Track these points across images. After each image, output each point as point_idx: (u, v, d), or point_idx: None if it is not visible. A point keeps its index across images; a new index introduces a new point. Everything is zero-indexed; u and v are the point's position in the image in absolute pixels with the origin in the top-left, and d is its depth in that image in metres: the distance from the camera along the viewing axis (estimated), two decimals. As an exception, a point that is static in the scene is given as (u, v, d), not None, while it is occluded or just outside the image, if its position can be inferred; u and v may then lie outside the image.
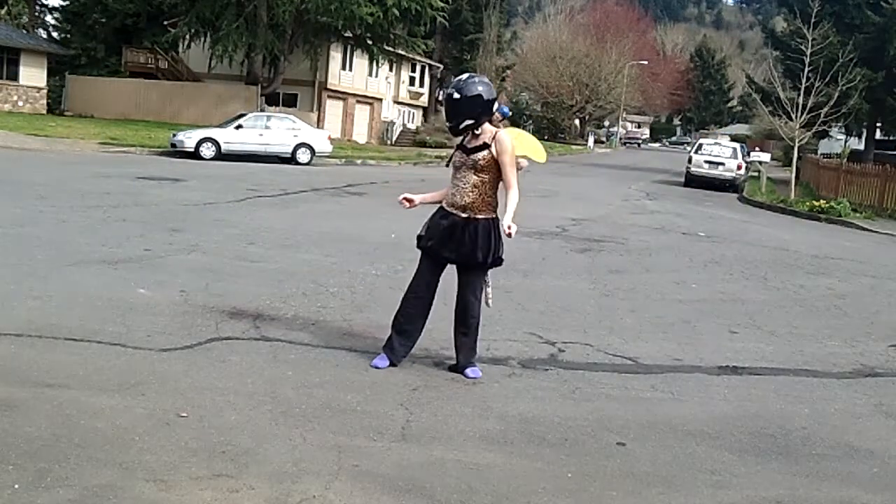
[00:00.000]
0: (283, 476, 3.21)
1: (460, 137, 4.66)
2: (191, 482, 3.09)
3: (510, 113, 8.79)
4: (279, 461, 3.34)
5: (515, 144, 4.66)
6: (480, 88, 4.49)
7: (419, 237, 4.74)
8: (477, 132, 4.56)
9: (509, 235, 4.39)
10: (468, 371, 4.69)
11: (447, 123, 4.60)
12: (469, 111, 4.49)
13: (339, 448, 3.52)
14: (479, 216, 4.56)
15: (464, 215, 4.56)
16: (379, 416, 3.94)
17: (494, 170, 4.54)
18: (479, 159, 4.52)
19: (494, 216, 4.62)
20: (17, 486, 2.92)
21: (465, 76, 4.62)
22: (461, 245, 4.56)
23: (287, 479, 3.19)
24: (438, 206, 4.74)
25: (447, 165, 4.75)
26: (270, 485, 3.12)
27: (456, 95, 4.47)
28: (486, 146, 4.53)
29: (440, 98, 50.66)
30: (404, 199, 4.74)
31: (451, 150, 4.80)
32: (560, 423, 4.08)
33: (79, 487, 2.96)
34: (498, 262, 4.69)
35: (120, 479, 3.06)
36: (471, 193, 4.55)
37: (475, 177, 4.54)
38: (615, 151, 57.67)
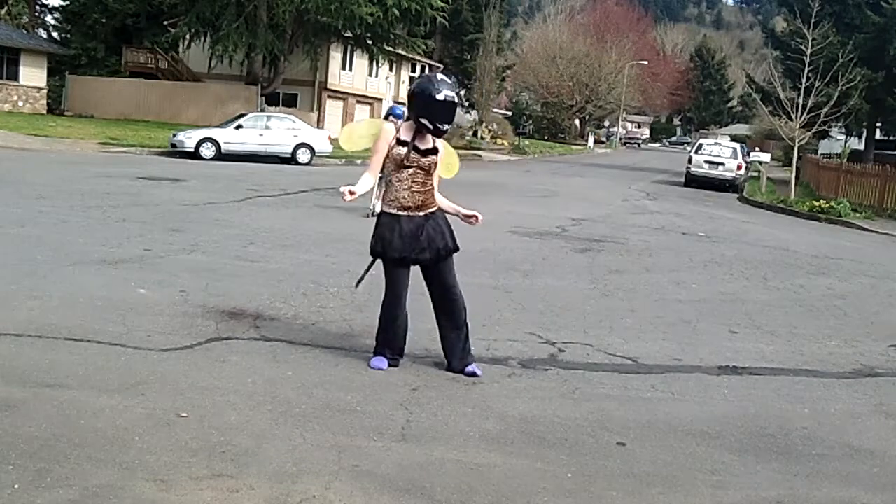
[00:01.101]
0: (283, 476, 3.21)
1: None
2: (191, 482, 3.09)
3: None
4: (279, 461, 3.34)
5: None
6: None
7: (376, 250, 4.68)
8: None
9: (474, 222, 4.83)
10: (469, 369, 4.69)
11: (447, 126, 4.56)
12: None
13: (339, 448, 3.52)
14: (433, 210, 4.70)
15: (421, 213, 4.64)
16: (379, 416, 3.94)
17: (434, 171, 4.72)
18: (434, 162, 4.66)
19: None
20: (17, 486, 2.92)
21: (445, 77, 4.70)
22: (432, 241, 4.63)
23: (287, 479, 3.19)
24: (382, 213, 4.69)
25: (406, 162, 4.57)
26: (270, 485, 3.12)
27: (456, 99, 4.57)
28: (436, 150, 4.67)
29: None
30: (349, 191, 4.50)
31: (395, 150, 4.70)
32: (560, 423, 4.08)
33: (79, 487, 2.96)
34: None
35: (120, 479, 3.06)
36: (426, 192, 4.66)
37: (427, 177, 4.66)
38: (615, 151, 57.66)
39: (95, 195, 11.26)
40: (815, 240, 14.03)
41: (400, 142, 4.59)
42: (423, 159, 4.60)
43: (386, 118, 9.97)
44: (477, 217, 4.80)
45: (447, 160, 5.07)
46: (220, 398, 3.97)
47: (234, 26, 29.79)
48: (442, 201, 4.81)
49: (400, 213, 4.62)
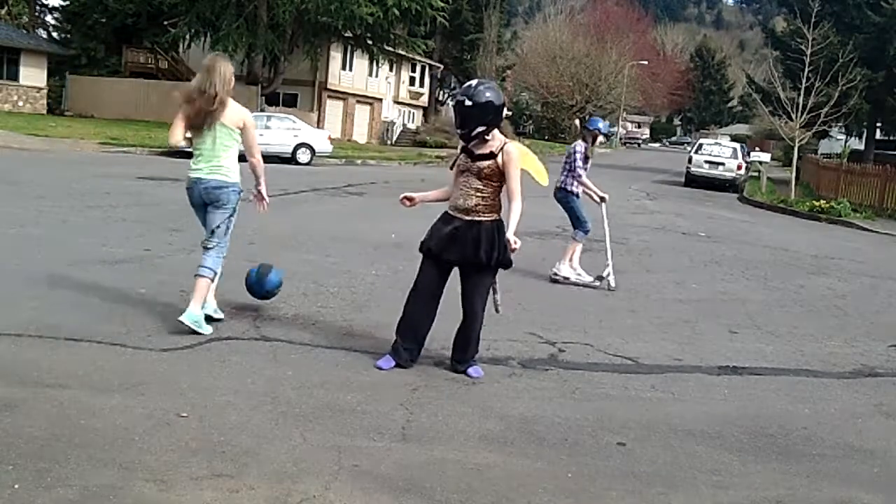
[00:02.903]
0: (283, 476, 3.21)
1: (468, 141, 4.61)
2: (191, 482, 3.09)
3: (608, 131, 8.46)
4: (279, 461, 3.34)
5: (521, 158, 4.74)
6: (490, 95, 4.49)
7: (423, 242, 4.74)
8: (487, 138, 4.55)
9: (513, 251, 4.51)
10: (471, 371, 4.71)
11: (459, 130, 4.56)
12: (481, 118, 4.49)
13: (339, 448, 3.52)
14: (483, 218, 4.59)
15: (467, 218, 4.59)
16: (379, 416, 3.94)
17: (498, 178, 4.58)
18: (484, 167, 4.55)
19: (499, 218, 4.64)
20: (17, 486, 2.92)
21: (475, 82, 4.62)
22: (463, 247, 4.57)
23: (287, 479, 3.19)
24: (444, 210, 4.74)
25: (451, 168, 4.73)
26: (270, 485, 3.12)
27: (468, 102, 4.45)
28: (492, 155, 4.55)
29: (440, 98, 50.65)
30: (405, 198, 4.81)
31: (454, 151, 4.79)
32: (560, 423, 4.08)
33: (79, 487, 2.96)
34: (505, 263, 4.69)
35: (120, 479, 3.06)
36: (474, 197, 4.58)
37: (479, 182, 4.58)
38: (615, 151, 57.65)
39: (96, 195, 11.26)
40: (815, 240, 14.03)
41: (461, 148, 4.67)
42: (473, 164, 4.56)
43: (585, 128, 8.78)
44: (511, 245, 4.47)
45: (532, 166, 5.01)
46: (220, 398, 3.97)
47: (234, 26, 29.79)
48: (512, 212, 4.50)
49: (450, 211, 4.67)
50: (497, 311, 4.85)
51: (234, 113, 5.10)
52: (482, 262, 4.60)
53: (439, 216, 4.75)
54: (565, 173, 8.14)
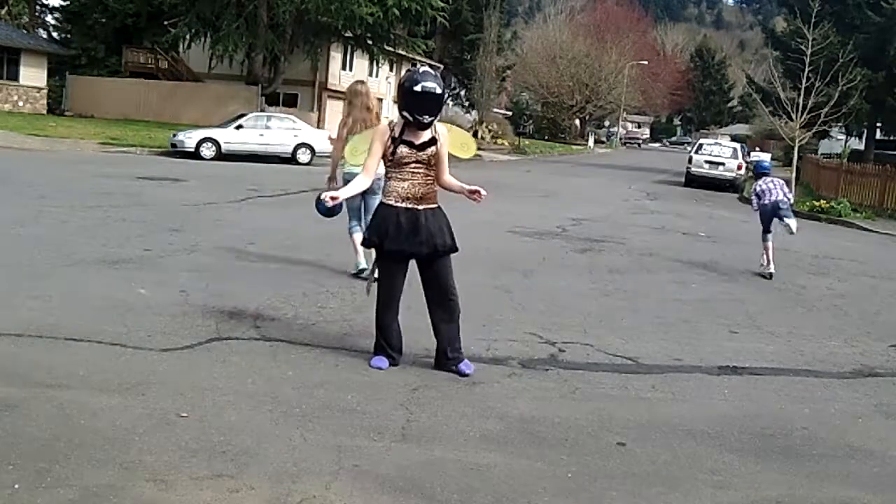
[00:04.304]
0: (283, 476, 3.21)
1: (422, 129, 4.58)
2: (191, 482, 3.09)
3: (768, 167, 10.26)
4: (279, 461, 3.34)
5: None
6: None
7: (373, 241, 4.68)
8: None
9: (478, 198, 4.62)
10: (461, 367, 4.68)
11: (427, 118, 4.48)
12: (442, 104, 4.58)
13: (339, 448, 3.52)
14: (434, 205, 4.66)
15: (421, 207, 4.60)
16: (379, 416, 3.94)
17: (437, 161, 4.64)
18: (433, 154, 4.59)
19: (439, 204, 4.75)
20: (17, 486, 2.92)
21: (430, 70, 4.58)
22: (431, 235, 4.59)
23: (287, 479, 3.19)
24: (380, 205, 4.69)
25: (389, 158, 4.58)
26: (270, 485, 3.12)
27: (439, 91, 4.46)
28: (434, 141, 4.59)
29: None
30: (330, 197, 4.63)
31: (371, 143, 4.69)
32: (560, 423, 4.08)
33: (79, 487, 2.96)
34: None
35: (120, 479, 3.06)
36: (425, 185, 4.61)
37: (426, 169, 4.60)
38: (615, 151, 57.67)
39: (96, 195, 11.26)
40: (816, 240, 14.02)
41: (394, 139, 4.57)
42: (420, 153, 4.55)
43: (760, 173, 10.24)
44: (480, 192, 4.62)
45: (459, 140, 5.00)
46: (220, 398, 3.97)
47: (234, 26, 29.81)
48: (451, 182, 4.74)
49: (398, 204, 4.58)
50: (368, 293, 4.91)
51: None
52: (449, 246, 4.66)
53: (377, 211, 4.70)
54: (785, 193, 9.90)
